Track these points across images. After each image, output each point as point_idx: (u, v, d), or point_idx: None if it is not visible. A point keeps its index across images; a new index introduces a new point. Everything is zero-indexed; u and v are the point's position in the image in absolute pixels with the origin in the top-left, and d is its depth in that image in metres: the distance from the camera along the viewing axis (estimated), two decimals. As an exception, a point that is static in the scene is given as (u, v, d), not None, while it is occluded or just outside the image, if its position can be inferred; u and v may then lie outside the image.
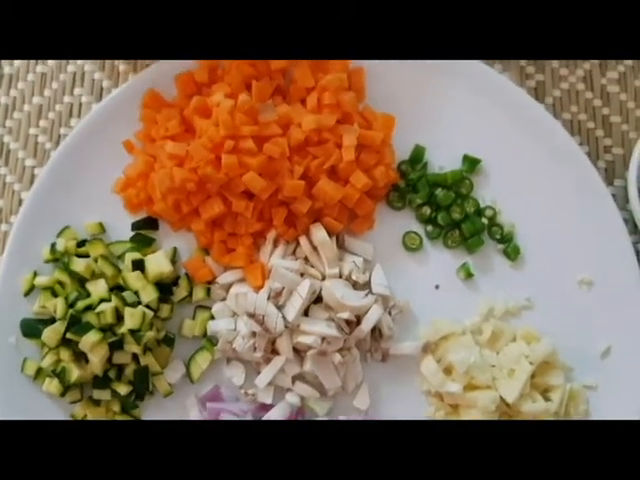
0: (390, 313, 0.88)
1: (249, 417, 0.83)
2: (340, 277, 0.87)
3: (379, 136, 0.88)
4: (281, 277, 0.84)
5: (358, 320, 0.85)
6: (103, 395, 0.84)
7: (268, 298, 0.83)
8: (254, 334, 0.84)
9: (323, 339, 0.83)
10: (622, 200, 0.95)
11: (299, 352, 0.85)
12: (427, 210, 0.92)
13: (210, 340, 0.87)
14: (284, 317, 0.82)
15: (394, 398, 0.87)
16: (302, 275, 0.86)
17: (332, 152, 0.86)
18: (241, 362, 0.87)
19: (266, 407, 0.85)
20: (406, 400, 0.87)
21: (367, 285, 0.88)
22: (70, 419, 0.85)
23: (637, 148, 0.90)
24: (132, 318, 0.81)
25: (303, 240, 0.87)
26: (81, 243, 0.88)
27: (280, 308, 0.83)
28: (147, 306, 0.84)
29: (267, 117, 0.84)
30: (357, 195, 0.86)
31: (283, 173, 0.84)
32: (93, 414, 0.85)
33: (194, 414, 0.84)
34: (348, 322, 0.85)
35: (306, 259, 0.88)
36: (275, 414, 0.83)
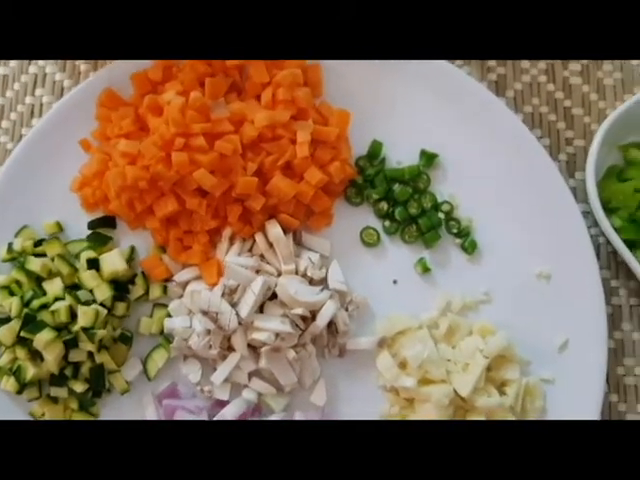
0: (347, 309, 0.88)
1: (205, 414, 0.83)
2: (296, 273, 0.87)
3: (334, 132, 0.88)
4: (235, 274, 0.84)
5: (313, 316, 0.85)
6: (60, 393, 0.85)
7: (222, 295, 0.83)
8: (209, 331, 0.84)
9: (277, 335, 0.83)
10: (584, 193, 0.95)
11: (255, 349, 0.85)
12: (384, 205, 0.92)
13: (167, 338, 0.87)
14: (238, 314, 0.83)
15: (351, 393, 0.87)
16: (258, 272, 0.86)
17: (286, 148, 0.86)
18: (198, 359, 0.87)
19: (223, 404, 0.85)
20: (363, 395, 0.87)
21: (324, 281, 0.89)
22: (29, 417, 0.86)
23: (595, 141, 0.90)
24: (85, 316, 0.82)
25: (259, 237, 0.87)
26: (39, 242, 0.89)
27: (234, 305, 0.84)
28: (102, 304, 0.84)
29: (219, 114, 0.84)
30: (312, 191, 0.86)
31: (236, 170, 0.84)
32: (51, 412, 0.85)
33: (150, 411, 0.85)
34: (304, 318, 0.85)
35: (263, 256, 0.88)
36: (231, 410, 0.83)
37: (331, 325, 0.87)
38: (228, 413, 0.83)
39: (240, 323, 0.83)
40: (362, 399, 0.87)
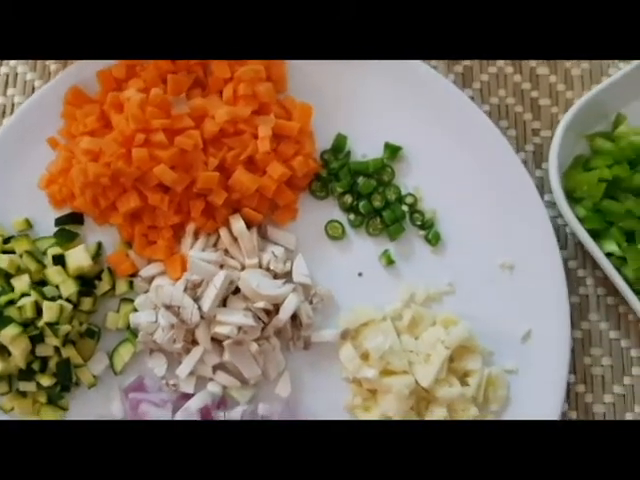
0: (311, 302, 0.89)
1: (170, 407, 0.84)
2: (260, 267, 0.88)
3: (296, 126, 0.89)
4: (198, 269, 0.85)
5: (277, 309, 0.86)
6: (28, 387, 0.86)
7: (185, 290, 0.84)
8: (173, 325, 0.85)
9: (240, 329, 0.83)
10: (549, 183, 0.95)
11: (219, 342, 0.86)
12: (349, 199, 0.92)
13: (133, 332, 0.88)
14: (200, 308, 0.84)
15: (316, 385, 0.88)
16: (222, 266, 0.87)
17: (248, 143, 0.86)
18: (163, 353, 0.88)
19: (188, 397, 0.86)
20: (327, 387, 0.88)
21: (289, 274, 0.89)
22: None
23: (558, 131, 0.90)
24: (49, 311, 0.83)
25: (223, 232, 0.88)
26: (8, 239, 0.90)
27: (198, 299, 0.85)
28: (67, 300, 0.85)
29: (180, 110, 0.85)
30: (275, 185, 0.87)
31: (197, 165, 0.85)
32: (20, 406, 0.86)
33: (116, 405, 0.86)
34: (267, 312, 0.86)
35: (227, 251, 0.89)
36: (195, 403, 0.84)
37: (295, 318, 0.88)
38: (193, 406, 0.83)
39: (203, 317, 0.84)
40: (326, 391, 0.88)
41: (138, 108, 0.83)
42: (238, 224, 0.87)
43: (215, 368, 0.87)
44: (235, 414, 0.84)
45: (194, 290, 0.85)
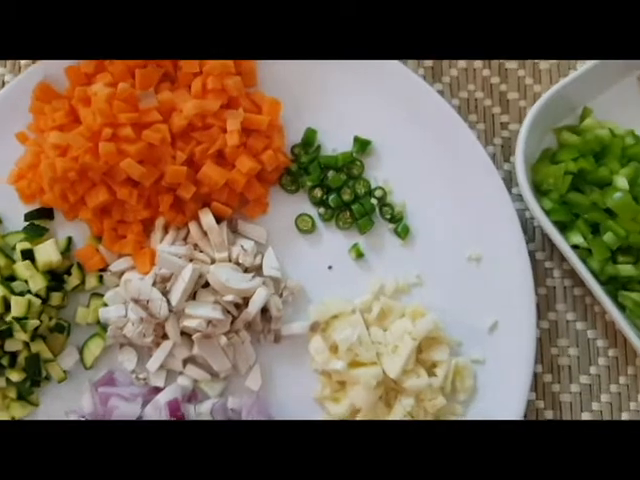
0: (281, 295, 0.89)
1: (140, 401, 0.84)
2: (230, 261, 0.88)
3: (265, 120, 0.89)
4: (166, 263, 0.85)
5: (246, 303, 0.87)
6: (-2, 382, 0.86)
7: (154, 284, 0.85)
8: (143, 319, 0.85)
9: (209, 322, 0.84)
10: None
11: (189, 336, 0.86)
12: (319, 192, 0.93)
13: (103, 327, 0.88)
14: (169, 302, 0.84)
15: (287, 378, 0.89)
16: (191, 260, 0.87)
17: (217, 137, 0.87)
18: (133, 347, 0.88)
19: (159, 390, 0.86)
20: (298, 380, 0.88)
21: (259, 268, 0.90)
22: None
23: (524, 124, 0.91)
24: (17, 306, 0.83)
25: (192, 226, 0.88)
26: (-23, 235, 0.90)
27: (167, 293, 0.85)
28: (36, 295, 0.85)
29: (147, 104, 0.85)
30: (244, 179, 0.87)
31: (165, 159, 0.85)
32: (-10, 401, 0.87)
33: (86, 399, 0.86)
34: (237, 305, 0.87)
35: (197, 245, 0.89)
36: (165, 397, 0.84)
37: (265, 311, 0.88)
38: (162, 399, 0.84)
39: (172, 311, 0.84)
40: (297, 383, 0.88)
41: (105, 102, 0.83)
42: (207, 218, 0.87)
43: (185, 362, 0.87)
44: (205, 407, 0.84)
45: (163, 284, 0.85)
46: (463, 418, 0.86)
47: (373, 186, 0.93)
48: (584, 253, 0.90)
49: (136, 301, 0.84)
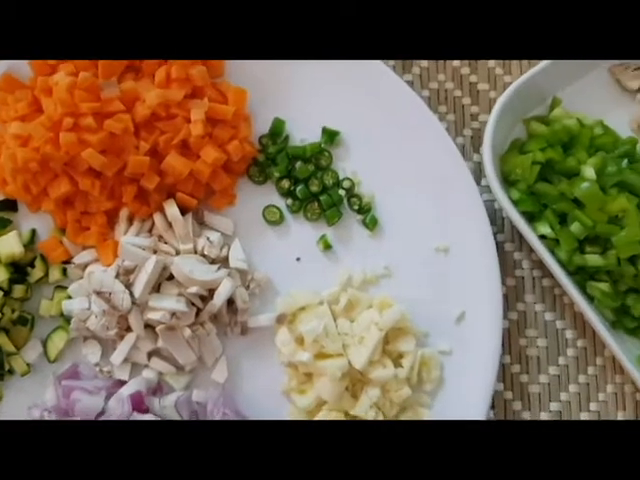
0: (248, 287, 0.89)
1: (103, 394, 0.83)
2: (195, 253, 0.87)
3: (230, 110, 0.88)
4: (129, 254, 0.84)
5: (212, 295, 0.86)
6: (-40, 376, 0.85)
7: (117, 276, 0.84)
8: (106, 312, 0.84)
9: (173, 314, 0.83)
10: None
11: (153, 329, 0.85)
12: (286, 183, 0.92)
13: (67, 319, 0.87)
14: (132, 294, 0.83)
15: (254, 370, 0.88)
16: (155, 252, 0.86)
17: (181, 127, 0.86)
18: (97, 340, 0.87)
19: (123, 384, 0.85)
20: (265, 372, 0.88)
21: (225, 260, 0.89)
22: None
23: (492, 114, 0.90)
24: (-22, 299, 0.82)
25: (157, 217, 0.87)
26: (-61, 228, 0.88)
27: (130, 285, 0.84)
28: (-1, 287, 0.84)
29: (110, 93, 0.84)
30: (208, 170, 0.86)
31: (128, 149, 0.84)
32: (-47, 394, 0.85)
33: (50, 392, 0.85)
34: (203, 297, 0.86)
35: (162, 236, 0.88)
36: (128, 389, 0.83)
37: (232, 304, 0.87)
38: (126, 392, 0.83)
39: (134, 303, 0.83)
40: (264, 375, 0.88)
41: (66, 92, 0.82)
42: (172, 209, 0.86)
43: (150, 354, 0.86)
44: (170, 400, 0.83)
45: (127, 276, 0.84)
46: (430, 409, 0.86)
47: (341, 177, 0.93)
48: (552, 243, 0.89)
49: (98, 293, 0.82)
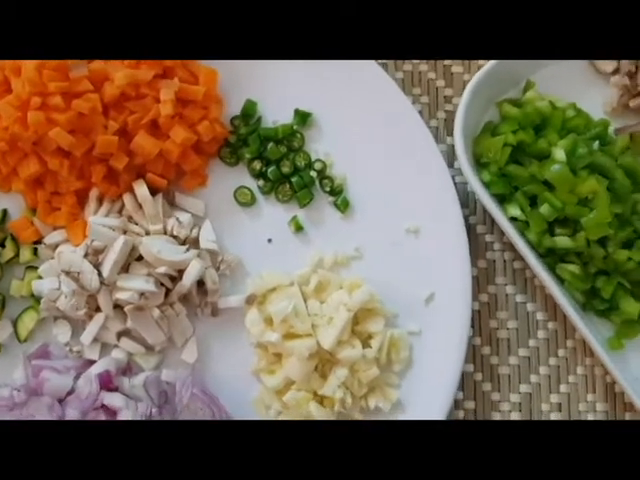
0: (219, 268, 0.89)
1: (72, 373, 0.84)
2: (165, 234, 0.87)
3: (201, 90, 0.88)
4: (98, 234, 0.84)
5: (182, 276, 0.86)
6: None
7: (86, 256, 0.84)
8: (75, 292, 0.84)
9: (142, 295, 0.83)
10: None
11: (122, 309, 0.85)
12: (258, 165, 0.92)
13: (37, 299, 0.87)
14: (100, 274, 0.83)
15: (224, 351, 0.88)
16: (125, 232, 0.86)
17: (151, 107, 0.85)
18: (67, 320, 0.87)
19: (93, 363, 0.85)
20: (236, 352, 0.88)
21: (196, 241, 0.89)
22: None
23: (464, 97, 0.90)
24: (-54, 279, 0.82)
25: (127, 197, 0.87)
26: None
27: (99, 266, 0.84)
28: (-33, 267, 0.84)
29: (79, 73, 0.84)
30: (178, 150, 0.86)
31: (97, 129, 0.84)
32: None
33: (19, 371, 0.85)
34: (172, 278, 0.86)
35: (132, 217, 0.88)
36: (97, 369, 0.83)
37: (202, 285, 0.88)
38: (94, 370, 0.83)
39: (103, 283, 0.83)
40: (234, 356, 0.88)
41: (34, 71, 0.81)
42: (141, 189, 0.86)
43: (120, 335, 0.86)
44: (139, 380, 0.84)
45: (96, 256, 0.84)
46: (398, 389, 0.87)
47: (313, 159, 0.92)
48: (522, 226, 0.90)
49: (67, 273, 0.83)
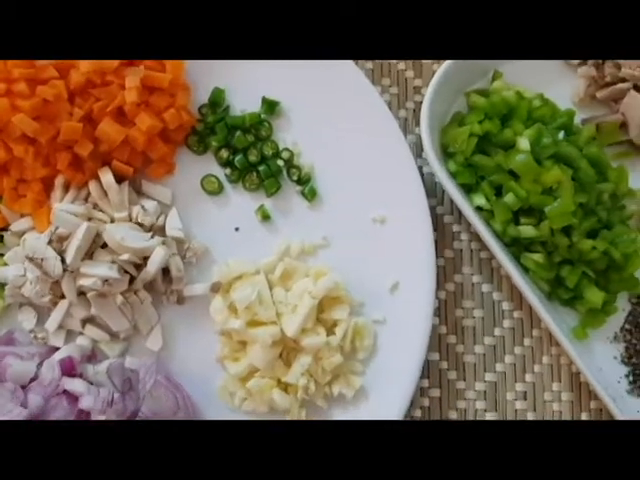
0: (185, 256, 0.89)
1: (36, 360, 0.84)
2: (130, 221, 0.87)
3: (167, 78, 0.88)
4: (62, 221, 0.84)
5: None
6: None
7: (50, 242, 0.84)
8: (39, 278, 0.84)
9: (105, 281, 0.83)
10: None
11: (86, 296, 0.85)
12: (225, 153, 0.92)
13: (2, 286, 0.87)
14: (64, 260, 0.83)
15: (189, 339, 0.88)
16: (90, 220, 0.86)
17: (116, 94, 0.85)
18: (33, 307, 0.87)
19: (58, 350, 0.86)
20: (201, 340, 0.88)
21: (163, 229, 0.89)
22: None
23: (431, 86, 0.90)
24: None
25: (92, 185, 0.87)
26: None
27: (63, 252, 0.84)
28: None
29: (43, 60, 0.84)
30: (143, 137, 0.86)
31: (62, 116, 0.84)
32: None
33: (-18, 359, 0.85)
34: (137, 266, 0.86)
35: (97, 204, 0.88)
36: (61, 354, 0.83)
37: (168, 272, 0.88)
38: (58, 356, 0.83)
39: (66, 270, 0.83)
40: (199, 344, 0.88)
41: (-2, 57, 0.82)
42: (106, 177, 0.86)
43: (85, 322, 0.86)
44: (102, 367, 0.84)
45: (60, 243, 0.84)
46: (362, 376, 0.87)
47: (281, 148, 0.93)
48: (488, 215, 0.90)
49: (31, 259, 0.83)
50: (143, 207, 0.87)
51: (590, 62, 0.96)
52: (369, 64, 0.98)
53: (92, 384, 0.82)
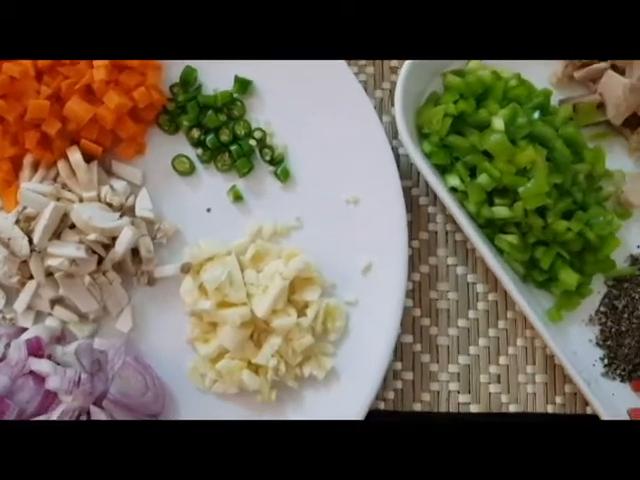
0: (155, 237, 0.88)
1: (4, 340, 0.83)
2: (99, 201, 0.86)
3: (136, 56, 0.87)
4: (29, 200, 0.83)
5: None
6: None
7: (17, 222, 0.83)
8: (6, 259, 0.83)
9: (73, 261, 0.82)
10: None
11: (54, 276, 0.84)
12: (196, 133, 0.91)
13: (-30, 267, 0.86)
14: (31, 241, 0.82)
15: (159, 320, 0.88)
16: (58, 199, 0.85)
17: (85, 72, 0.84)
18: (2, 288, 0.86)
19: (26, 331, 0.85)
20: (171, 322, 0.87)
21: (132, 209, 0.88)
22: None
23: (405, 67, 0.89)
24: None
25: (61, 164, 0.86)
26: None
27: (31, 232, 0.83)
28: None
29: (9, 36, 0.83)
30: (111, 116, 0.85)
31: (29, 94, 0.83)
32: None
33: (-50, 340, 0.84)
34: (106, 246, 0.85)
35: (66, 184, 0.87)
36: (28, 335, 0.83)
37: (138, 253, 0.87)
38: (25, 336, 0.82)
39: (34, 250, 0.82)
40: (169, 325, 0.87)
41: (-37, 34, 0.80)
42: (75, 156, 0.85)
43: (54, 303, 0.86)
44: (71, 348, 0.83)
45: (28, 223, 0.83)
46: (333, 357, 0.86)
47: (254, 128, 0.91)
48: (462, 196, 0.89)
49: (-3, 239, 0.82)
50: (112, 187, 0.86)
51: (568, 42, 0.95)
52: (345, 44, 0.97)
53: (60, 365, 0.82)
